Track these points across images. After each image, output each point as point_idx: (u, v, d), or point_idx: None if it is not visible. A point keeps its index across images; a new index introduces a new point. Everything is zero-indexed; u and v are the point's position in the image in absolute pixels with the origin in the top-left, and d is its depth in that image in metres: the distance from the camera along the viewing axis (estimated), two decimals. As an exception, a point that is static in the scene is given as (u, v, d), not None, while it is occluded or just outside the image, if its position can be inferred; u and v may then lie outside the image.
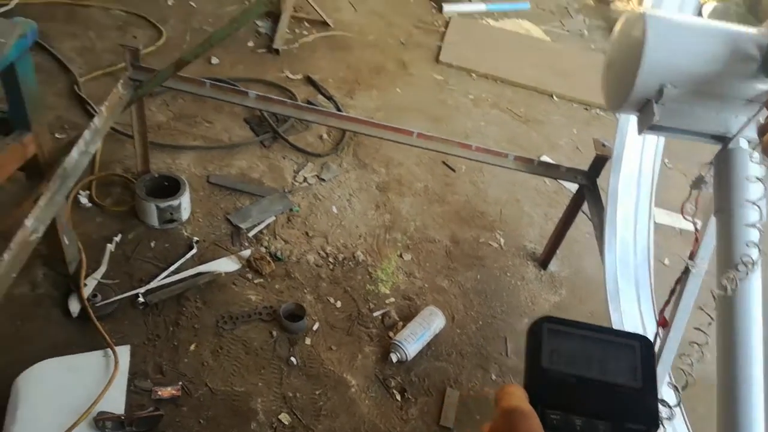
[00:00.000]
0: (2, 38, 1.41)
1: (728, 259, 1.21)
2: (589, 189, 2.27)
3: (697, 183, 1.58)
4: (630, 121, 2.22)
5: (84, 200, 2.38)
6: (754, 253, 1.18)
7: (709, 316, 1.03)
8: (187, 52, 1.94)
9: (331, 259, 2.40)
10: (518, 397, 0.55)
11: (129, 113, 2.23)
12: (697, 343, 0.99)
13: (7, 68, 1.46)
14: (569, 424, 0.51)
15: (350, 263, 2.41)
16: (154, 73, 2.05)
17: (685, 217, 1.63)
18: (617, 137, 2.23)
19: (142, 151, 2.42)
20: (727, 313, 1.09)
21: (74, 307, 2.00)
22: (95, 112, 2.68)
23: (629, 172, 2.24)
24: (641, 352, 0.57)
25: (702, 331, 1.00)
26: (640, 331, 1.82)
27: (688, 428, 1.74)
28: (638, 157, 2.29)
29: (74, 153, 1.82)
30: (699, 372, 1.04)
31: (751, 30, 1.27)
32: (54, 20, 3.19)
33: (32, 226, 1.60)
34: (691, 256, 1.44)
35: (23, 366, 1.76)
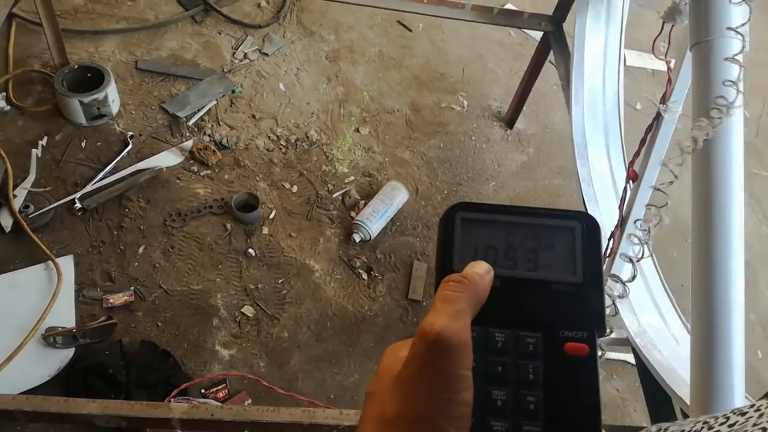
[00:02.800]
0: None
1: (705, 101, 1.06)
2: (554, 35, 2.06)
3: (671, 14, 1.39)
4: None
5: (1, 103, 2.13)
6: (731, 94, 1.03)
7: (672, 173, 0.90)
8: None
9: (282, 142, 2.23)
10: (456, 309, 0.37)
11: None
12: (655, 206, 0.87)
13: None
14: (488, 341, 0.39)
15: (304, 144, 2.24)
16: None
17: (657, 57, 1.46)
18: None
19: (56, 40, 2.14)
20: (703, 165, 0.97)
21: (6, 221, 1.85)
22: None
23: (597, 12, 2.03)
24: (583, 237, 0.43)
25: (661, 191, 0.87)
26: (609, 187, 1.71)
27: (658, 272, 1.69)
28: (607, -5, 2.06)
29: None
30: (672, 216, 0.93)
31: None
32: None
33: None
34: (663, 100, 1.29)
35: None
